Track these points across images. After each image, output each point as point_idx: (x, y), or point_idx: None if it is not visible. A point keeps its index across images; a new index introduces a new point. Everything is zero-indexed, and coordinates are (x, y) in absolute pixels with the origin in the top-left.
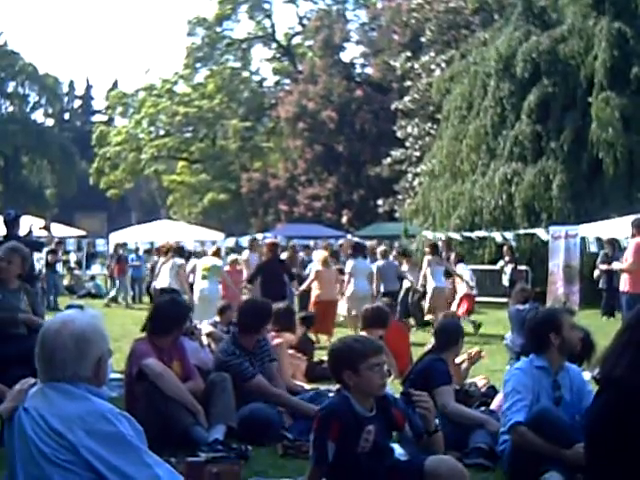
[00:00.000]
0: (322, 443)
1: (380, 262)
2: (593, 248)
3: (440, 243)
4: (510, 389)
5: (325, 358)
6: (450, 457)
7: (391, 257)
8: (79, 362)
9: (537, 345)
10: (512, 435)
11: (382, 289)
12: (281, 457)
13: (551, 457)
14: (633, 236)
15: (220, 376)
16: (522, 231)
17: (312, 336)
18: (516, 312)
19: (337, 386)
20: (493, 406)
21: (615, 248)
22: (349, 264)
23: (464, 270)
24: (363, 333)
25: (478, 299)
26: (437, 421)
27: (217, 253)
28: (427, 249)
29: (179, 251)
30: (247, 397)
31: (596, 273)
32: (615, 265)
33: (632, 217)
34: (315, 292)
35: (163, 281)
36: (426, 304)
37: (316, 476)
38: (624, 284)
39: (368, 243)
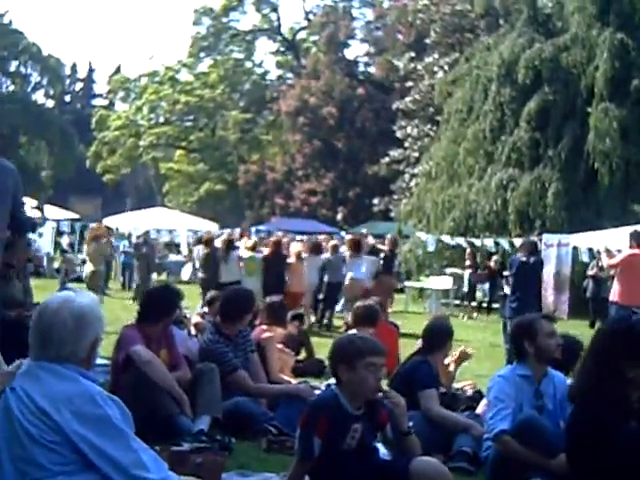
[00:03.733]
0: (308, 438)
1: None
2: (585, 258)
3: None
4: (493, 397)
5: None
6: (435, 459)
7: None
8: (76, 342)
9: (516, 353)
10: (496, 444)
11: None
12: (265, 451)
13: (536, 465)
14: (630, 247)
15: (207, 366)
16: (515, 239)
17: None
18: (518, 262)
19: (325, 382)
20: (478, 410)
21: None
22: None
23: None
24: (353, 331)
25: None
26: (411, 423)
27: (254, 247)
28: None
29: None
30: (231, 389)
31: (585, 282)
32: (603, 258)
33: (626, 228)
34: (288, 283)
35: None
36: None
37: (300, 472)
38: (613, 294)
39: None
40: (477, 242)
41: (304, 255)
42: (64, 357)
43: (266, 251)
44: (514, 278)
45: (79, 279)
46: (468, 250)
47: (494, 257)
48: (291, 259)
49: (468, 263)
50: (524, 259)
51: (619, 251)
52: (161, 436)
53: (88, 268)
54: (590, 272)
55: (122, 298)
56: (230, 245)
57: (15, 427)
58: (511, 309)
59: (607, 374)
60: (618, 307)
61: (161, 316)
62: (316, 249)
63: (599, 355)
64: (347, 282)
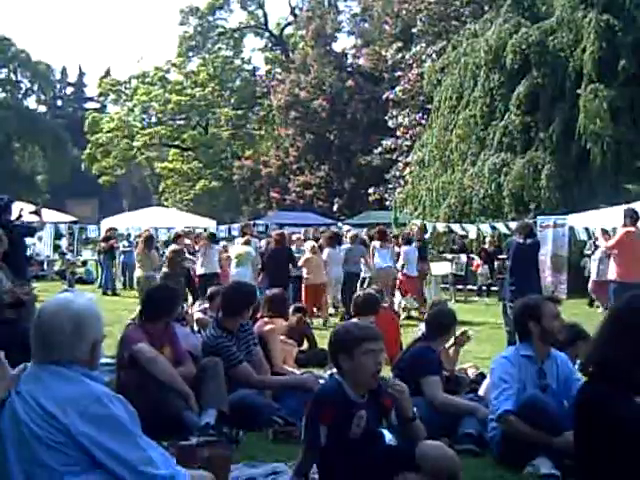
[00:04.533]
0: (314, 427)
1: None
2: (583, 237)
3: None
4: (496, 378)
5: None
6: (441, 443)
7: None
8: (76, 344)
9: (520, 333)
10: (501, 423)
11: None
12: (272, 442)
13: (540, 444)
14: (625, 225)
15: (211, 361)
16: (511, 222)
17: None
18: (515, 244)
19: (328, 372)
20: (480, 392)
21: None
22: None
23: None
24: (354, 319)
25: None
26: (415, 409)
27: (247, 242)
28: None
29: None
30: (235, 382)
31: (583, 261)
32: (600, 242)
33: (619, 207)
34: (305, 277)
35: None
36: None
37: (308, 460)
38: (612, 273)
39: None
40: (471, 227)
41: (325, 250)
42: (65, 359)
43: (271, 244)
44: (512, 261)
45: (81, 280)
46: (457, 236)
47: (487, 239)
48: (307, 254)
49: (455, 247)
50: (521, 241)
51: (614, 229)
52: (168, 432)
53: (138, 273)
54: (588, 252)
55: (124, 297)
56: (212, 239)
57: (22, 430)
58: (510, 292)
59: (619, 350)
60: (617, 285)
61: (162, 314)
62: (336, 240)
63: (614, 330)
64: (376, 272)
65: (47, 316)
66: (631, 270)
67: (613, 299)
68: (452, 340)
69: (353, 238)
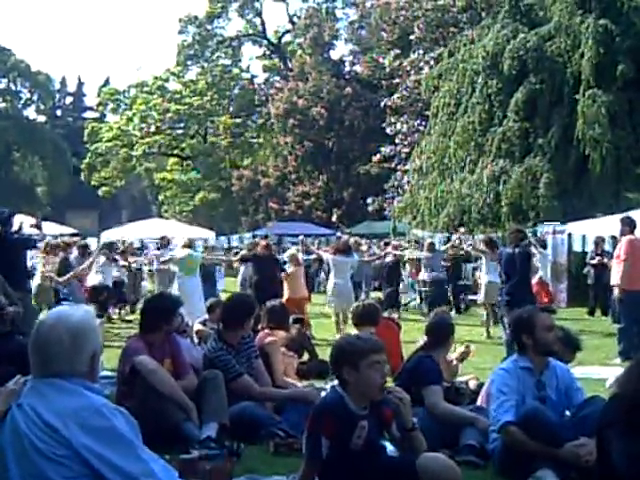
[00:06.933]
0: (315, 439)
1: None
2: (578, 247)
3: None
4: (495, 390)
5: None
6: (442, 455)
7: None
8: (75, 357)
9: (517, 345)
10: (502, 435)
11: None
12: (273, 454)
13: (542, 456)
14: (623, 234)
15: (212, 373)
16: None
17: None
18: (506, 254)
19: (329, 384)
20: (478, 402)
21: (601, 246)
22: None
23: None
24: (354, 330)
25: None
26: (415, 420)
27: (188, 245)
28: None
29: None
30: (236, 395)
31: (586, 269)
32: (614, 269)
33: (619, 215)
34: (286, 290)
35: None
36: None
37: (309, 473)
38: (615, 281)
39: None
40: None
41: (332, 257)
42: (65, 372)
43: (258, 251)
44: (504, 271)
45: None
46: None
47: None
48: (288, 266)
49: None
50: (510, 251)
51: (613, 237)
52: (169, 444)
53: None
54: (592, 261)
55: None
56: (109, 250)
57: (24, 443)
58: (504, 302)
59: None
60: (622, 294)
61: (160, 323)
62: (347, 249)
63: None
64: (484, 285)
65: (45, 330)
66: (637, 278)
67: (618, 307)
68: (455, 354)
69: (430, 246)
